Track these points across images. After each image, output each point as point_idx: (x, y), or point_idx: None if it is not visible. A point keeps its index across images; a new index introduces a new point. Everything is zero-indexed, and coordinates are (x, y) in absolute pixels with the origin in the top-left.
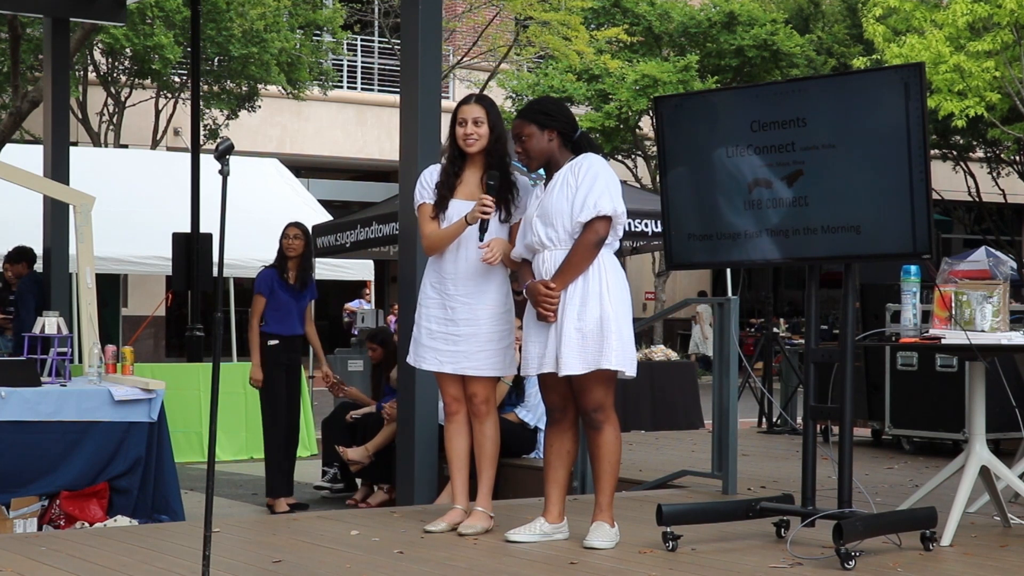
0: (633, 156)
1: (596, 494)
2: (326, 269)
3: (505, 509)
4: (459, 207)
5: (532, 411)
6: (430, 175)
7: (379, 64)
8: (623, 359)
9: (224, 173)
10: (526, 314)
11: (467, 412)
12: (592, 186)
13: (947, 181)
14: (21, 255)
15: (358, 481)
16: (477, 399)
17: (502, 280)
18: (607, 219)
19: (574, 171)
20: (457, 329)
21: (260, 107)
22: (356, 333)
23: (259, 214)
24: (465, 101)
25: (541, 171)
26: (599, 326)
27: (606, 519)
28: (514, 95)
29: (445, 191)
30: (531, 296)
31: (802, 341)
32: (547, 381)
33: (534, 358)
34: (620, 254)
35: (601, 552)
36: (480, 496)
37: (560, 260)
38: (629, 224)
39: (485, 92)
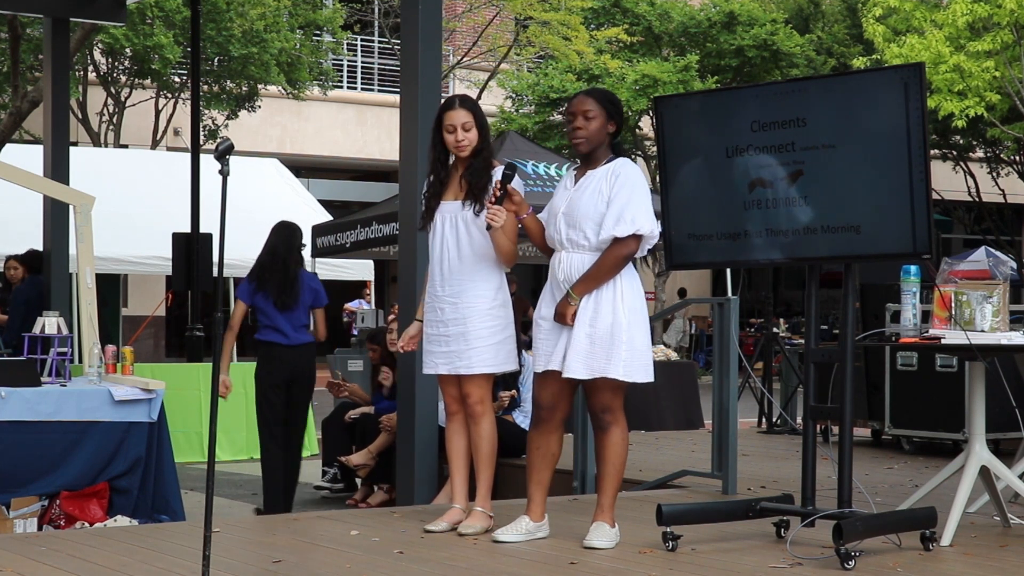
0: (633, 156)
1: (599, 494)
2: (326, 269)
3: (505, 509)
4: (445, 208)
5: (529, 416)
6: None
7: (379, 64)
8: (632, 368)
9: (224, 173)
10: (539, 313)
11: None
12: (631, 199)
13: (947, 181)
14: (23, 259)
15: (358, 481)
16: (471, 399)
17: (489, 275)
18: (640, 237)
19: (609, 178)
20: (447, 330)
21: (260, 107)
22: (356, 333)
23: (259, 214)
24: (449, 106)
25: (530, 166)
26: (610, 333)
27: (607, 519)
28: (514, 95)
29: (432, 199)
30: (560, 308)
31: (802, 341)
32: (545, 377)
33: (543, 355)
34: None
35: (601, 552)
36: (479, 496)
37: (578, 263)
38: None
39: (485, 92)
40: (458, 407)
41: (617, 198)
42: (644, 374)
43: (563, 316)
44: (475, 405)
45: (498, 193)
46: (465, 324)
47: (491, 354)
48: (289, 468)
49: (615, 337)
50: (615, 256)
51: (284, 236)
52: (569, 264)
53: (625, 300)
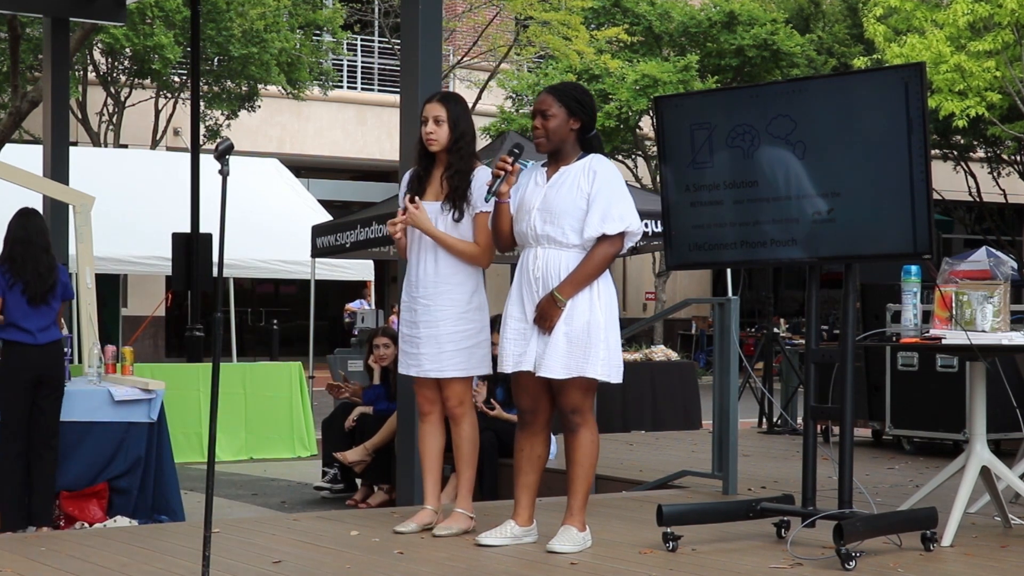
0: (633, 156)
1: (568, 496)
2: (326, 269)
3: (504, 510)
4: (427, 208)
5: None
6: (407, 177)
7: (379, 64)
8: (608, 368)
9: (224, 173)
10: (507, 312)
11: (441, 413)
12: (616, 196)
13: (947, 181)
14: None
15: (358, 481)
16: (450, 402)
17: (465, 279)
18: (624, 234)
19: (587, 173)
20: (418, 332)
21: (260, 107)
22: (356, 333)
23: (259, 214)
24: (429, 99)
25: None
26: (587, 332)
27: (576, 523)
28: (514, 95)
29: (415, 192)
30: (545, 311)
31: (802, 341)
32: (521, 382)
33: (511, 356)
34: (619, 255)
35: (601, 552)
36: (460, 497)
37: (555, 260)
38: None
39: (485, 92)
40: (431, 408)
41: (600, 195)
42: (618, 374)
43: (549, 319)
44: (454, 408)
45: (508, 167)
46: (437, 327)
47: (463, 358)
48: (48, 475)
49: (593, 336)
50: (604, 255)
51: (36, 224)
52: (545, 261)
53: (602, 298)
